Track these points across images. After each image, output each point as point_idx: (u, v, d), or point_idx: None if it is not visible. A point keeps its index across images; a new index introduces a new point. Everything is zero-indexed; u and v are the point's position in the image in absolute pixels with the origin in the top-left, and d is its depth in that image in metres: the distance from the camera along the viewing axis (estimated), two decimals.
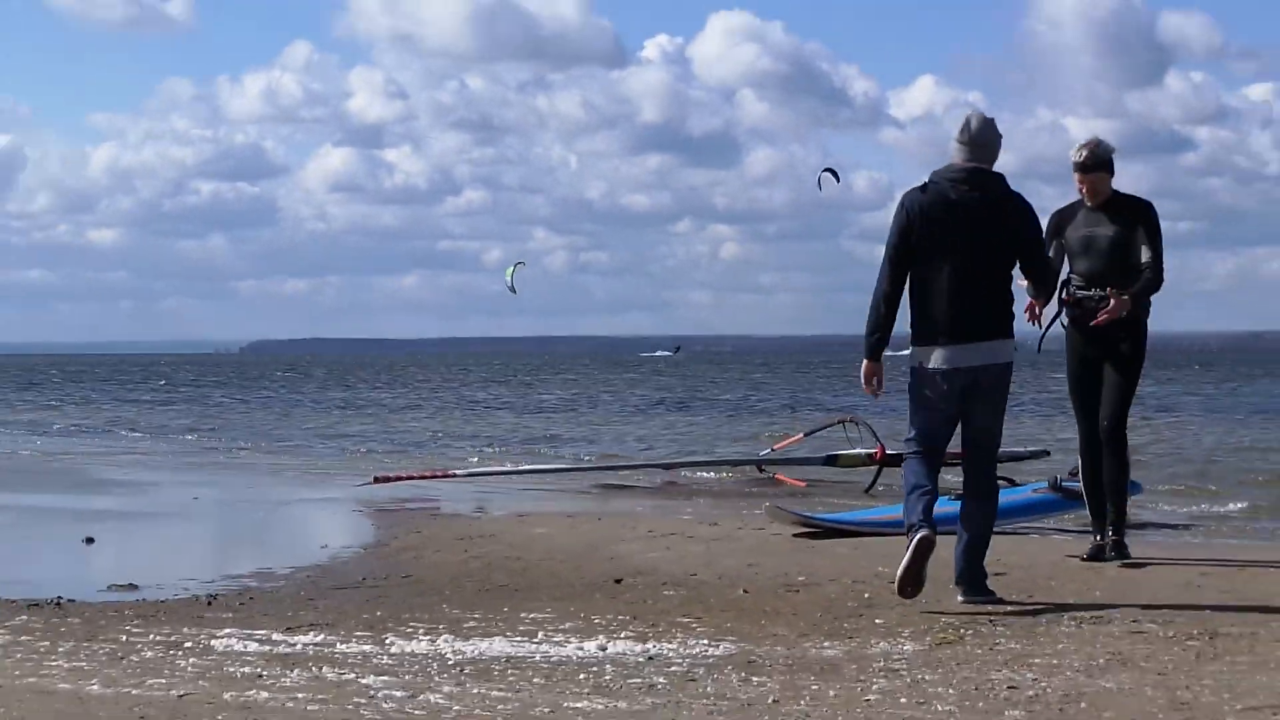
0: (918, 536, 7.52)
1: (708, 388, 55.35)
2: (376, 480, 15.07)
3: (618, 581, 8.88)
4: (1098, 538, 9.05)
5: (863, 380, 7.84)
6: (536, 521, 12.43)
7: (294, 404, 43.63)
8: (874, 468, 15.69)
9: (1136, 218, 8.60)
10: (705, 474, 17.34)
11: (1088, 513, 9.20)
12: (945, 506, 8.99)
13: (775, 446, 17.72)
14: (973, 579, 7.81)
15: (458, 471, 15.69)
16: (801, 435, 17.84)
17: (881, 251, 7.77)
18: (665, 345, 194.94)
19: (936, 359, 7.65)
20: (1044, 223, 8.57)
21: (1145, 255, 8.56)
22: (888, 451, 15.66)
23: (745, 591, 8.39)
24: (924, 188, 7.66)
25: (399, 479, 15.13)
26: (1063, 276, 8.84)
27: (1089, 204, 8.81)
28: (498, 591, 8.62)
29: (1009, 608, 7.69)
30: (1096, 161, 8.73)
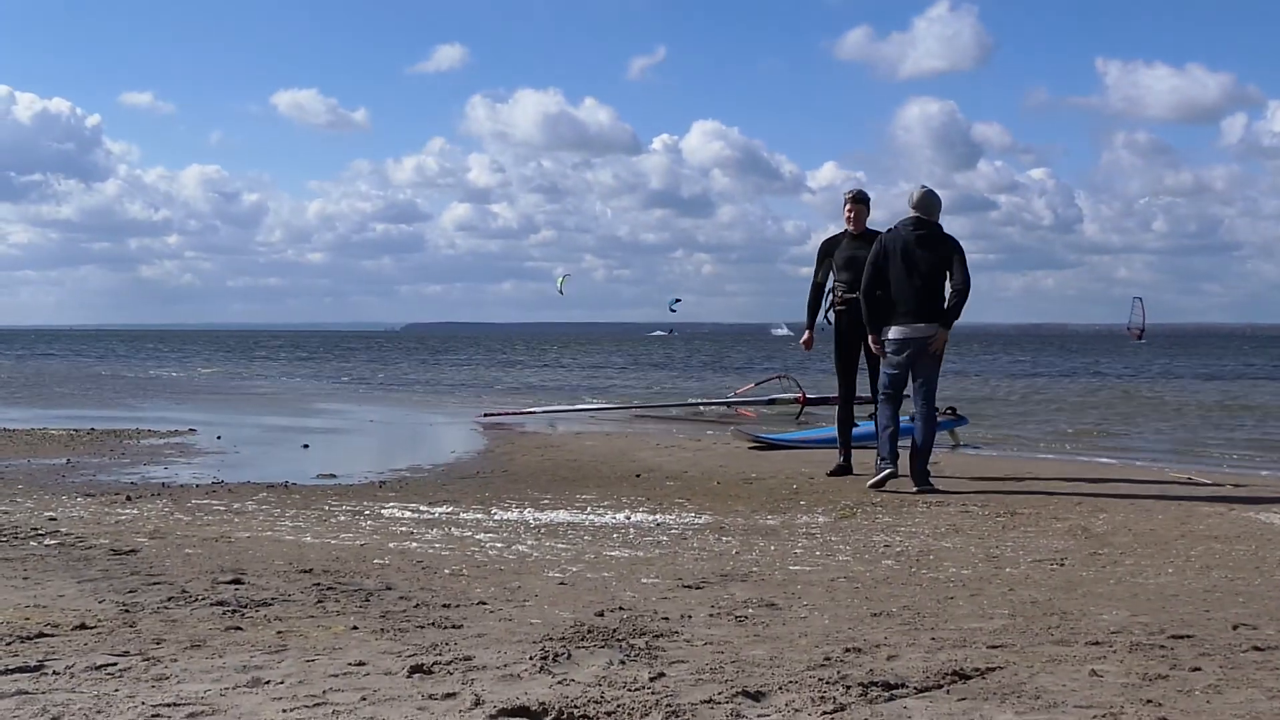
0: (887, 470, 7.44)
1: (695, 354, 54.84)
2: (486, 415, 14.38)
3: (637, 476, 8.60)
4: (842, 459, 8.30)
5: (872, 346, 7.61)
6: (587, 437, 12.16)
7: (433, 363, 43.23)
8: (799, 407, 15.14)
9: None
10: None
11: (839, 444, 8.44)
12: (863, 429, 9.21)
13: (737, 392, 17.41)
14: (920, 475, 7.47)
15: (535, 409, 14.97)
16: (753, 385, 17.43)
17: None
18: (665, 329, 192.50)
19: (893, 333, 7.50)
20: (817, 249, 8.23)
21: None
22: (808, 395, 15.18)
23: (717, 483, 8.13)
24: (890, 230, 7.53)
25: (501, 415, 14.55)
26: (829, 285, 8.19)
27: (853, 232, 8.08)
28: (562, 481, 8.32)
29: (884, 494, 7.34)
30: (862, 197, 8.12)
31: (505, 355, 54.11)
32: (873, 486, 7.47)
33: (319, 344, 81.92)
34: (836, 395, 8.51)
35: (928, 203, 7.54)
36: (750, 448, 10.61)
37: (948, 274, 7.48)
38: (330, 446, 11.22)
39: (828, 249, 8.33)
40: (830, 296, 8.26)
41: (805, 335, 8.27)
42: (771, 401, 15.80)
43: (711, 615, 3.95)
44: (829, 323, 8.30)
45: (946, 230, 7.55)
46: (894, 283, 7.48)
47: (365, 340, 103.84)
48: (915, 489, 7.36)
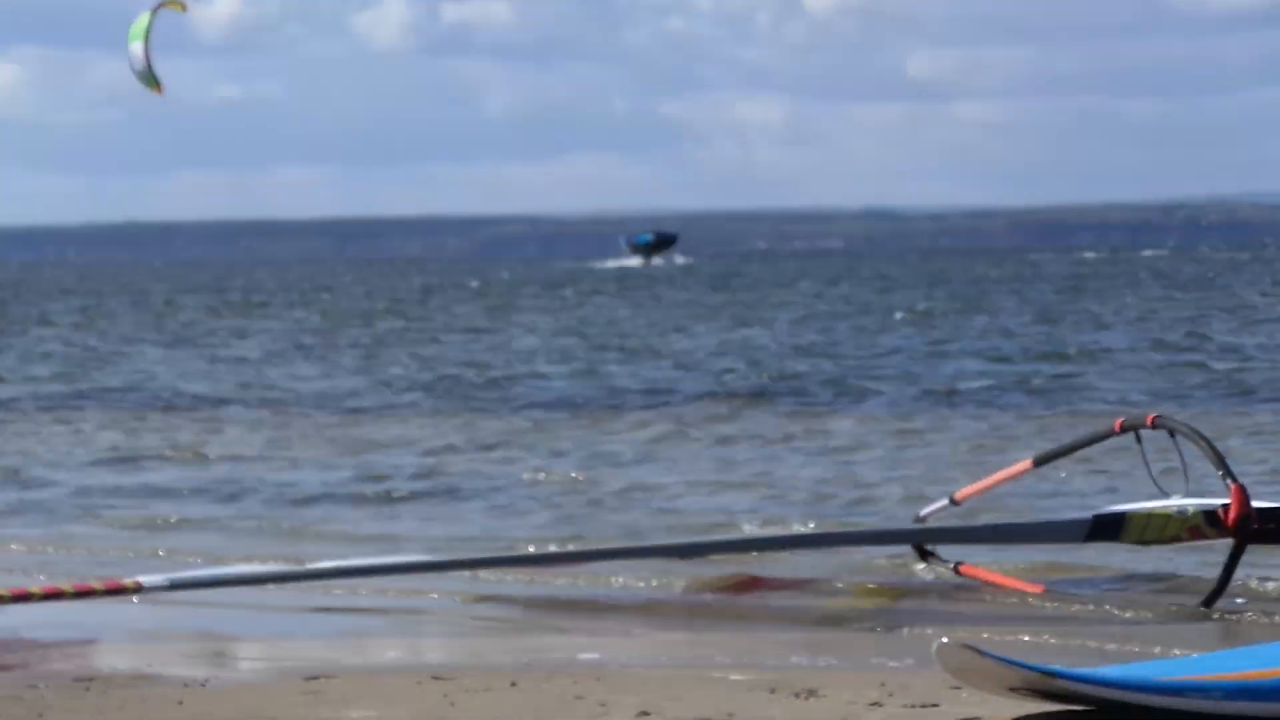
0: None
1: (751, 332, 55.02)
2: None
3: None
4: None
5: None
6: (353, 690, 12.41)
7: None
8: (1222, 543, 15.77)
9: None
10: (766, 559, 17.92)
11: None
12: None
13: (958, 495, 17.70)
14: None
15: (144, 580, 15.13)
16: (1030, 463, 17.66)
17: None
18: (644, 240, 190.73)
19: None
20: None
21: None
22: (1254, 504, 15.59)
23: None
24: None
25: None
26: None
27: None
28: None
29: None
30: None
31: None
32: None
33: None
34: None
35: None
36: None
37: None
38: None
39: None
40: None
41: None
42: (1105, 524, 16.25)
43: None
44: None
45: None
46: None
47: None
48: None
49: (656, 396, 39.84)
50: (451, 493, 25.05)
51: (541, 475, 26.56)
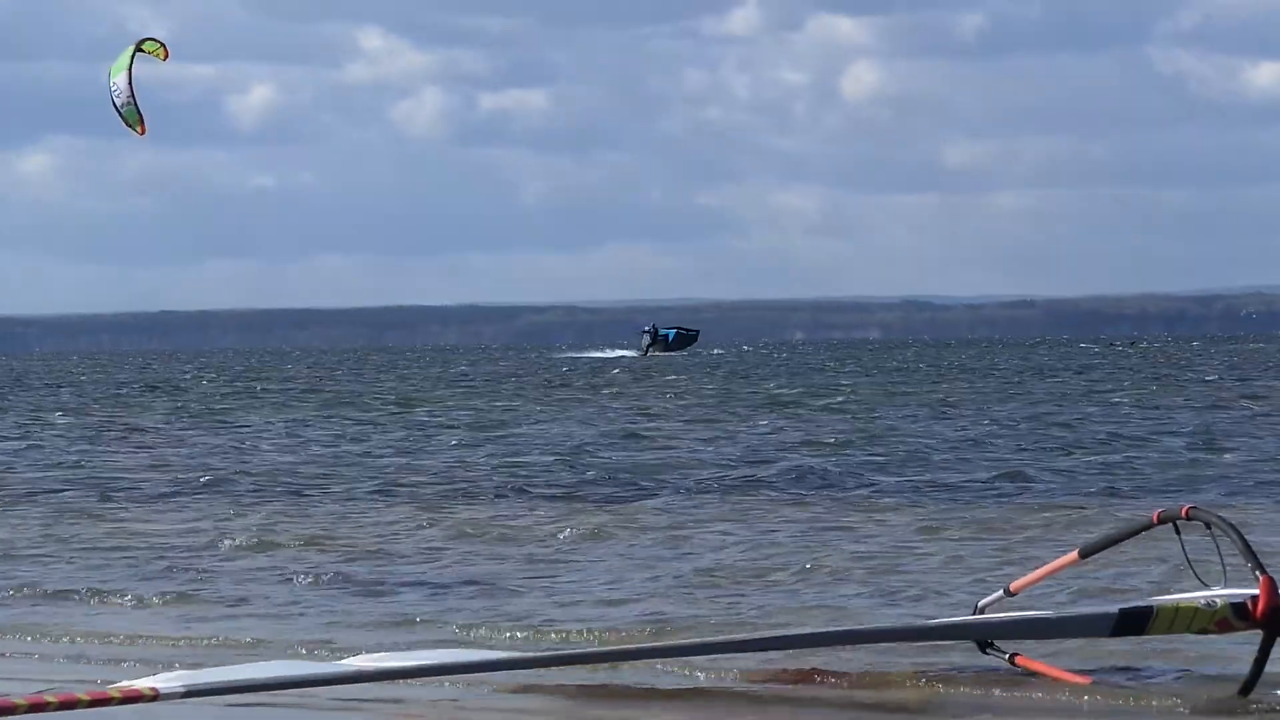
0: None
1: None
2: None
3: None
4: None
5: None
6: None
7: None
8: (1251, 635, 15.73)
9: None
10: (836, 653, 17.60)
11: None
12: None
13: (1013, 586, 17.70)
14: None
15: (160, 687, 15.00)
16: (1075, 555, 17.65)
17: None
18: (644, 335, 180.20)
19: None
20: None
21: None
22: None
23: None
24: None
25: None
26: None
27: None
28: None
29: None
30: None
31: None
32: None
33: None
34: None
35: None
36: None
37: None
38: None
39: None
40: None
41: None
42: (1132, 618, 16.26)
43: None
44: None
45: None
46: None
47: None
48: None
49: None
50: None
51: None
